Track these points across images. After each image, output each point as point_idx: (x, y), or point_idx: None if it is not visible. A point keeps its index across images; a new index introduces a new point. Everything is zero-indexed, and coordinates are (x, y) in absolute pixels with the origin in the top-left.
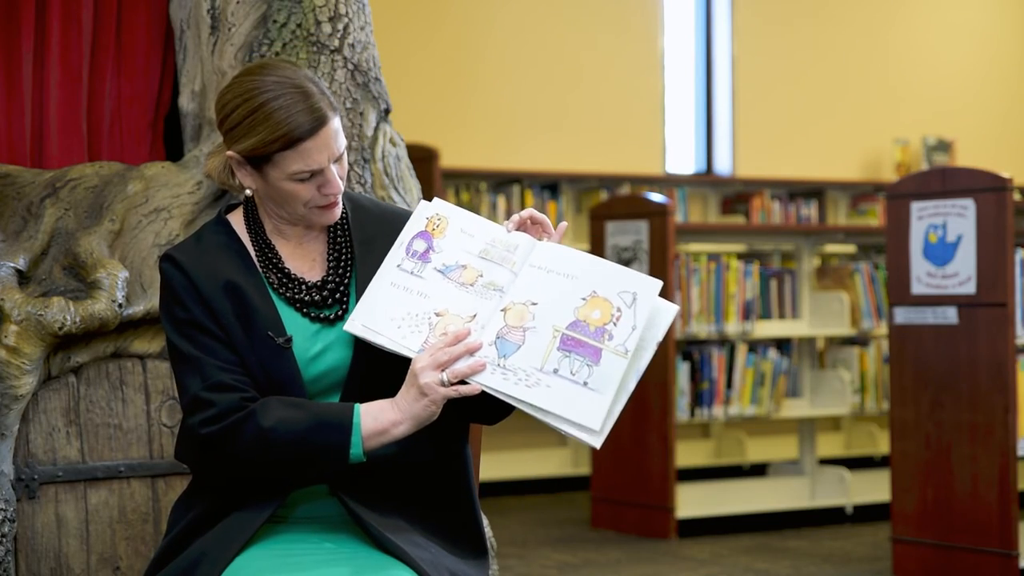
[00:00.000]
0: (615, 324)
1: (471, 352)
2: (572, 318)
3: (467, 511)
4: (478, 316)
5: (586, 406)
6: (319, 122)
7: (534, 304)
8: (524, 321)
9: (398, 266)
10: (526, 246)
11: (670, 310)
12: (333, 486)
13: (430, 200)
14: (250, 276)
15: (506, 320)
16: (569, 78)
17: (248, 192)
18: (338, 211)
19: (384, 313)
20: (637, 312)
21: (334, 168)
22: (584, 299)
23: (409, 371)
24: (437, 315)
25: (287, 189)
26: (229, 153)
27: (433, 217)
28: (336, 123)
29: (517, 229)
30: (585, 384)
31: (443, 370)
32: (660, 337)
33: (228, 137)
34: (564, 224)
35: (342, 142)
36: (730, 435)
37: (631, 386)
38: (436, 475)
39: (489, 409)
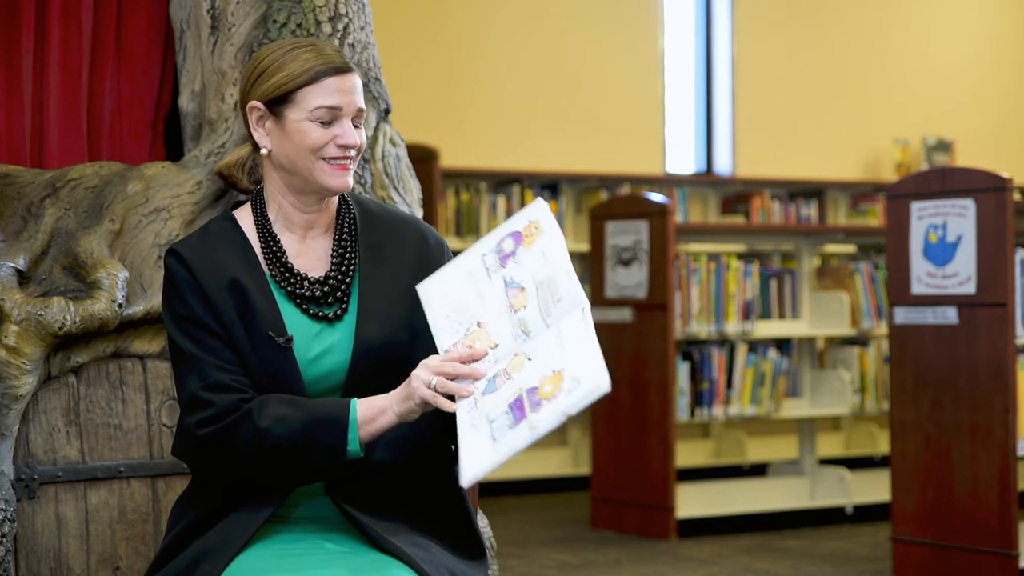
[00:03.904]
0: (549, 402)
1: (473, 379)
2: (534, 384)
3: (463, 514)
4: (500, 347)
5: (475, 456)
6: (346, 67)
7: (529, 360)
8: (514, 372)
9: (483, 256)
10: (567, 305)
11: (598, 391)
12: (329, 491)
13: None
14: (253, 274)
15: (507, 365)
16: (569, 78)
17: (266, 153)
18: (349, 180)
19: (445, 294)
20: (570, 399)
21: (355, 132)
22: (553, 371)
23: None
24: (478, 324)
25: (303, 130)
26: (251, 103)
27: (533, 223)
28: (359, 83)
29: None
30: (493, 439)
31: (436, 376)
32: (575, 412)
33: (255, 86)
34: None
35: (363, 102)
36: (730, 435)
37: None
38: (429, 480)
39: None
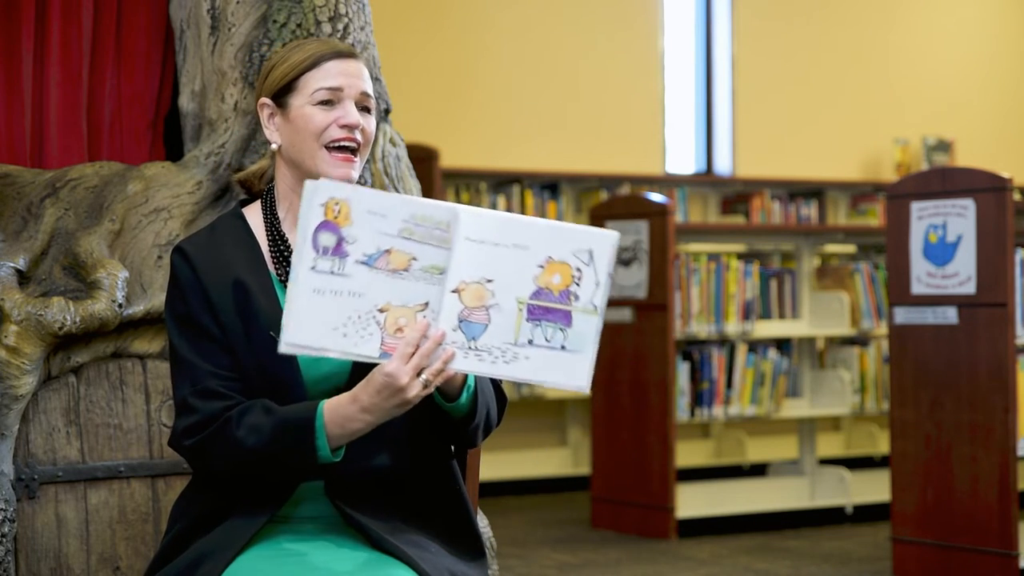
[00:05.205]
0: (578, 284)
1: (439, 343)
2: (533, 287)
3: (463, 515)
4: (430, 304)
5: (570, 368)
6: (347, 53)
7: (489, 281)
8: (484, 300)
9: (312, 268)
10: (450, 218)
11: (610, 239)
12: (329, 492)
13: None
14: (259, 274)
15: (463, 302)
16: (569, 78)
17: (276, 149)
18: (352, 174)
19: (319, 324)
20: (597, 268)
21: (358, 113)
22: (541, 266)
23: (376, 371)
24: (381, 311)
25: (306, 115)
26: (262, 101)
27: (330, 203)
28: (364, 70)
29: None
30: (563, 348)
31: (421, 373)
32: (611, 270)
33: (264, 83)
34: None
35: (369, 88)
36: (730, 435)
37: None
38: (428, 482)
39: (457, 432)
